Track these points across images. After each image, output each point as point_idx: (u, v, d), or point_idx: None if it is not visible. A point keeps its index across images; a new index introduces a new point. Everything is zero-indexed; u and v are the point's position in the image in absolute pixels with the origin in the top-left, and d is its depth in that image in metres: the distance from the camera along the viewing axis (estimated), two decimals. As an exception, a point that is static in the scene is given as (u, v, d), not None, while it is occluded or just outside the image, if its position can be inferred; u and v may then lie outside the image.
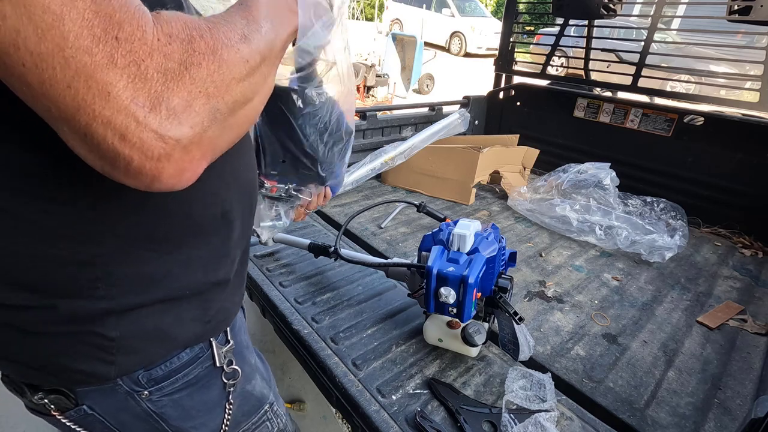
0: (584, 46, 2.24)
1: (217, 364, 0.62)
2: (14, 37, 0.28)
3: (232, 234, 0.57)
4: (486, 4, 13.86)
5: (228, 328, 0.64)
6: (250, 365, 0.71)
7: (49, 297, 0.45)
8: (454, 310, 0.84)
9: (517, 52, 2.44)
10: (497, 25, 9.98)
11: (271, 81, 0.44)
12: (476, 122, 2.49)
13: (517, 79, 2.51)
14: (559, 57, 3.09)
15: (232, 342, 0.64)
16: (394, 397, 0.85)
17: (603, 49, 2.39)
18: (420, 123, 2.14)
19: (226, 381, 0.64)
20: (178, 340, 0.56)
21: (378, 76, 5.93)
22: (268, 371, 0.81)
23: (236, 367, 0.65)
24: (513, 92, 2.49)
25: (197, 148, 0.35)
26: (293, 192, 0.78)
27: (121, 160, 0.32)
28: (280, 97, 0.64)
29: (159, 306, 0.51)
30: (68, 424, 0.54)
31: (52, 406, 0.53)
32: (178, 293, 0.52)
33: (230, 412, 0.67)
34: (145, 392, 0.55)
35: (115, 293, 0.47)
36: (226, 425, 0.68)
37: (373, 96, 5.89)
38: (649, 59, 1.95)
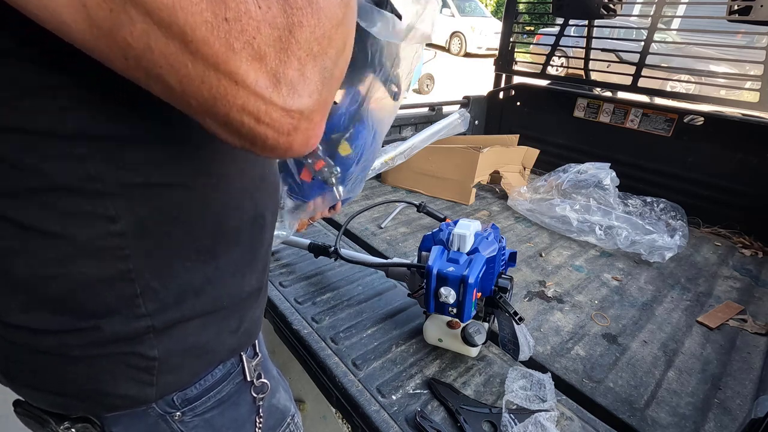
0: (584, 46, 2.24)
1: (248, 379, 0.60)
2: (146, 40, 0.28)
3: (264, 238, 0.56)
4: (486, 4, 13.85)
5: (256, 341, 0.62)
6: (274, 377, 0.69)
7: (90, 318, 0.43)
8: (454, 310, 0.84)
9: (517, 52, 2.44)
10: (497, 25, 9.98)
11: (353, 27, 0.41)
12: (476, 122, 2.49)
13: (517, 79, 2.51)
14: (559, 57, 3.09)
15: (260, 354, 0.63)
16: (394, 397, 0.85)
17: (603, 49, 2.39)
18: (420, 123, 2.14)
19: (255, 395, 0.62)
20: (216, 355, 0.54)
21: (378, 76, 5.93)
22: (287, 383, 0.79)
23: (265, 381, 0.63)
24: (513, 92, 2.49)
25: (317, 113, 0.36)
26: (336, 175, 0.72)
27: (258, 140, 0.34)
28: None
29: (198, 320, 0.50)
30: None
31: None
32: (217, 305, 0.51)
33: (260, 426, 0.65)
34: (178, 413, 0.53)
35: (156, 309, 0.46)
36: None
37: (373, 96, 5.89)
38: (649, 59, 1.95)
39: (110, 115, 0.37)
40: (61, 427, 0.50)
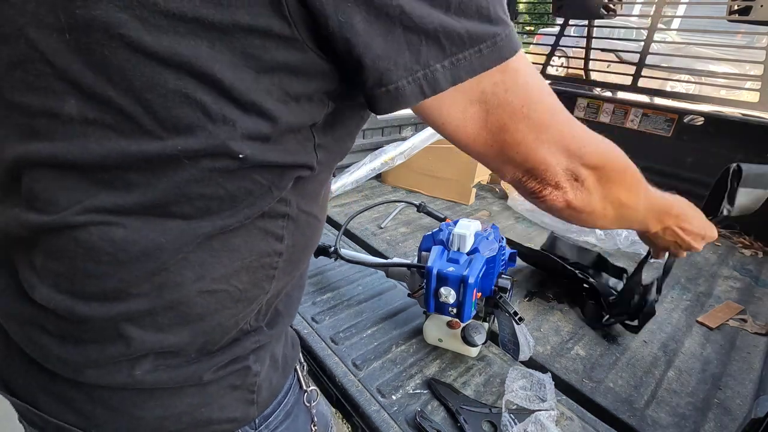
0: (584, 46, 2.24)
1: (303, 388, 0.60)
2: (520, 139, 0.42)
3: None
4: (486, 4, 13.85)
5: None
6: (313, 385, 0.69)
7: (219, 338, 0.42)
8: (454, 310, 0.84)
9: (517, 52, 2.44)
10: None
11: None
12: (476, 122, 2.49)
13: (517, 79, 2.50)
14: (559, 57, 3.09)
15: (305, 364, 0.63)
16: (394, 397, 0.85)
17: (603, 49, 2.39)
18: (420, 123, 2.13)
19: (307, 404, 0.62)
20: (286, 367, 0.54)
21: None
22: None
23: (314, 388, 0.63)
24: (513, 92, 2.48)
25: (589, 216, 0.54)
26: None
27: (539, 195, 0.48)
28: None
29: (281, 332, 0.51)
30: None
31: None
32: (293, 317, 0.53)
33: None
34: None
35: (261, 327, 0.46)
36: None
37: (373, 96, 5.89)
38: (649, 59, 1.95)
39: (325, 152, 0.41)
40: None
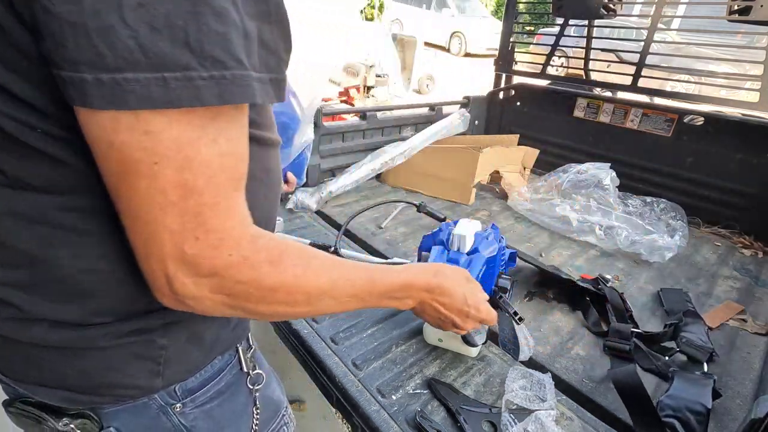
0: (584, 46, 2.24)
1: (244, 369, 0.62)
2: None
3: None
4: (486, 4, 13.85)
5: (249, 333, 0.64)
6: (266, 368, 0.70)
7: (113, 311, 0.45)
8: (454, 310, 0.84)
9: (517, 52, 2.44)
10: (497, 25, 9.99)
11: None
12: (476, 122, 2.49)
13: (517, 79, 2.50)
14: (559, 57, 3.09)
15: (253, 346, 0.64)
16: (394, 397, 0.85)
17: (603, 49, 2.39)
18: (420, 123, 2.14)
19: (251, 386, 0.63)
20: (214, 346, 0.55)
21: (378, 76, 5.93)
22: (276, 375, 0.81)
23: (260, 371, 0.64)
24: (513, 92, 2.49)
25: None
26: None
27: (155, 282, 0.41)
28: None
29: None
30: None
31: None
32: None
33: (257, 417, 0.66)
34: (179, 405, 0.54)
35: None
36: (255, 431, 0.66)
37: (373, 96, 5.89)
38: (649, 59, 1.94)
39: None
40: (60, 424, 0.50)
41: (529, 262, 1.29)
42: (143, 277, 0.42)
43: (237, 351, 0.61)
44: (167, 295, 0.40)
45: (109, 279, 0.44)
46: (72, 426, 0.50)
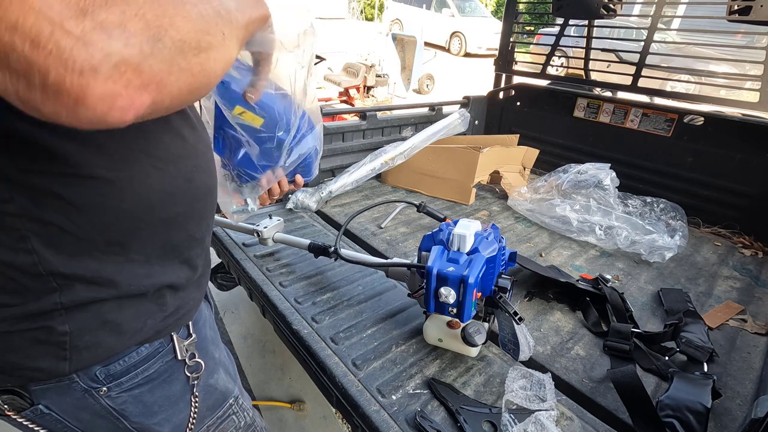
0: (584, 46, 2.24)
1: (179, 358, 0.62)
2: None
3: (189, 237, 0.57)
4: (486, 4, 13.85)
5: (190, 323, 0.64)
6: (214, 359, 0.71)
7: (6, 298, 0.45)
8: (454, 310, 0.84)
9: (517, 52, 2.44)
10: (497, 25, 9.98)
11: (231, 47, 0.41)
12: (476, 122, 2.49)
13: (517, 79, 2.51)
14: (559, 57, 3.09)
15: (194, 335, 0.64)
16: (394, 397, 0.85)
17: (603, 49, 2.39)
18: (420, 123, 2.14)
19: (189, 375, 0.64)
20: (134, 335, 0.55)
21: (378, 76, 5.92)
22: (234, 367, 0.81)
23: (199, 360, 0.65)
24: (513, 92, 2.49)
25: (134, 73, 0.30)
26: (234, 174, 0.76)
27: (35, 74, 0.26)
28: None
29: (113, 302, 0.51)
30: (26, 423, 0.54)
31: (6, 407, 0.52)
32: (132, 292, 0.53)
33: (196, 405, 0.67)
34: (104, 388, 0.55)
35: (67, 291, 0.47)
36: (193, 419, 0.68)
37: (373, 96, 5.88)
38: (649, 59, 1.95)
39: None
40: None
41: (527, 268, 1.29)
42: (8, 258, 0.42)
43: (171, 339, 0.61)
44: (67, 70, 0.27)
45: None
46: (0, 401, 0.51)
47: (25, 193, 0.42)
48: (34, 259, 0.45)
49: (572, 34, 2.40)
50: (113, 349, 0.54)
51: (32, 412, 0.53)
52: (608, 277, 1.32)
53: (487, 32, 10.89)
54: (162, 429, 0.64)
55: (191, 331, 0.64)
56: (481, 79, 7.76)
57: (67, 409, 0.55)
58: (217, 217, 1.24)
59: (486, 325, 0.94)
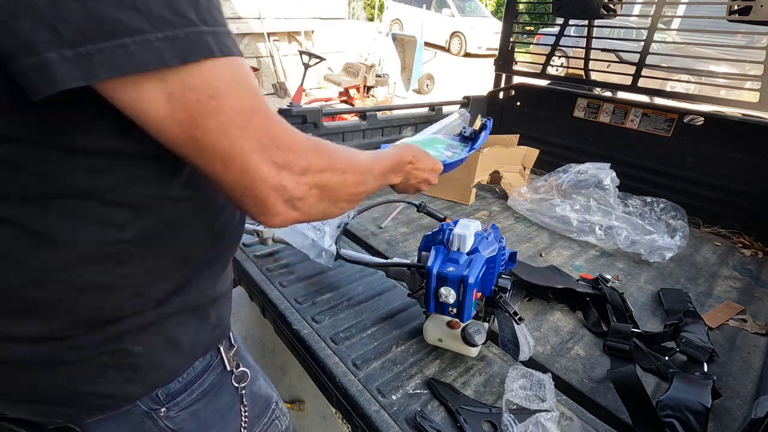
0: (584, 46, 2.24)
1: (228, 368, 0.62)
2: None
3: (234, 243, 0.59)
4: (486, 4, 13.84)
5: (231, 333, 0.64)
6: (252, 366, 0.71)
7: (81, 322, 0.44)
8: (454, 310, 0.84)
9: (517, 52, 2.44)
10: (497, 25, 9.97)
11: (365, 196, 0.63)
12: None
13: (517, 79, 2.50)
14: (559, 57, 3.09)
15: (236, 345, 0.65)
16: (394, 397, 0.85)
17: (603, 49, 2.39)
18: (420, 123, 2.14)
19: (236, 384, 0.64)
20: (193, 350, 0.56)
21: (378, 76, 5.93)
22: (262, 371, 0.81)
23: (245, 369, 0.65)
24: (513, 92, 2.49)
25: (305, 216, 0.47)
26: None
27: (262, 196, 0.41)
28: None
29: (176, 318, 0.51)
30: None
31: None
32: (192, 304, 0.53)
33: (245, 414, 0.66)
34: (163, 409, 0.54)
35: (141, 310, 0.47)
36: (244, 429, 0.67)
37: (373, 96, 5.89)
38: (649, 59, 1.94)
39: (125, 132, 0.38)
40: None
41: (524, 279, 1.23)
42: (107, 281, 0.42)
43: (219, 351, 0.61)
44: (279, 205, 0.42)
45: (67, 289, 0.42)
46: None
47: (143, 221, 0.43)
48: (129, 281, 0.45)
49: (572, 34, 2.40)
50: (178, 367, 0.54)
51: None
52: (608, 277, 1.32)
53: (487, 32, 10.87)
54: None
55: (233, 341, 0.64)
56: (481, 79, 7.75)
57: None
58: None
59: (486, 325, 0.94)
